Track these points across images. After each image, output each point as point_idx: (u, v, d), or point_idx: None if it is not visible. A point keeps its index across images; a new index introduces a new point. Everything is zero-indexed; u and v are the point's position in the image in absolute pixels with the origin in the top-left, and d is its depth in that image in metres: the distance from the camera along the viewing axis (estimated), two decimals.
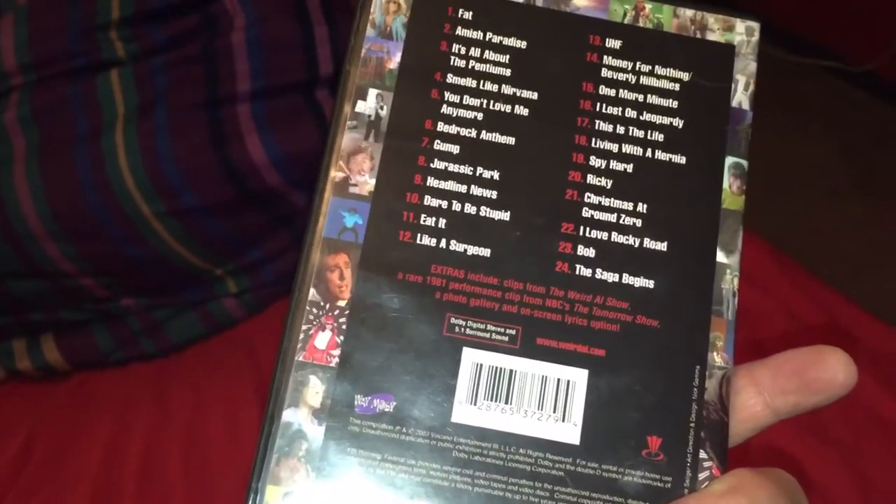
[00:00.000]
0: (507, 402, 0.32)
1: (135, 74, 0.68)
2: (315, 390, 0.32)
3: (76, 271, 0.69)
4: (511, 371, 0.32)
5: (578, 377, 0.33)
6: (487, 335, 0.33)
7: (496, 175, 0.34)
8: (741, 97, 0.36)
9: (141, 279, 0.72)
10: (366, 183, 0.34)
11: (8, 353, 0.74)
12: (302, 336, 0.32)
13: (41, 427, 0.71)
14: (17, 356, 0.74)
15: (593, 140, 0.35)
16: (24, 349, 0.74)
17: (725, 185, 0.35)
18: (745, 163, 0.35)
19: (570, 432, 0.32)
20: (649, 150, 0.35)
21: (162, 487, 0.68)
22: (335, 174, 0.34)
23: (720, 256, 0.34)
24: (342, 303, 0.33)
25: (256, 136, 0.69)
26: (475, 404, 0.32)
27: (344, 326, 0.32)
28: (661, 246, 0.34)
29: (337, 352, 0.32)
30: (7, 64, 0.67)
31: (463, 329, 0.33)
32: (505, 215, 0.34)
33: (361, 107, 0.35)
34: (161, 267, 0.71)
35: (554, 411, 0.32)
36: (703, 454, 0.32)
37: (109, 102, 0.68)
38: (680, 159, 0.35)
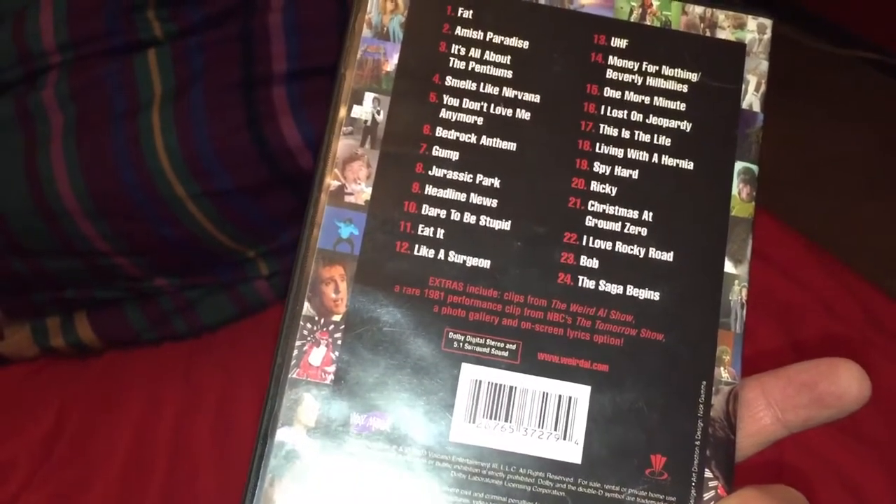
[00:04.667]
0: (506, 420, 0.31)
1: (171, 54, 0.69)
2: (310, 408, 0.31)
3: (110, 250, 0.70)
4: (511, 388, 0.32)
5: (580, 394, 0.32)
6: (487, 350, 0.32)
7: (496, 182, 0.33)
8: (752, 99, 0.35)
9: (174, 259, 0.72)
10: (362, 191, 0.33)
11: (42, 330, 0.75)
12: (296, 352, 0.31)
13: (73, 404, 0.72)
14: (51, 333, 0.75)
15: (597, 145, 0.34)
16: (58, 326, 0.75)
17: (734, 191, 0.34)
18: (755, 168, 0.34)
19: (572, 451, 0.31)
20: (655, 156, 0.34)
21: (191, 465, 0.69)
22: (330, 182, 0.33)
23: (728, 267, 0.33)
24: (337, 317, 0.32)
25: (291, 118, 0.68)
26: (474, 422, 0.31)
27: (339, 342, 0.31)
28: (667, 256, 0.33)
29: (332, 368, 0.31)
30: (46, 42, 0.68)
31: (462, 344, 0.32)
32: (505, 225, 0.33)
33: (357, 112, 0.34)
34: (194, 247, 0.71)
35: (555, 429, 0.31)
36: (708, 473, 0.31)
37: (146, 82, 0.68)
38: (687, 165, 0.34)
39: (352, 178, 0.33)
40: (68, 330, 0.74)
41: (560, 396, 0.32)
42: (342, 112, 0.34)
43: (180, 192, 0.67)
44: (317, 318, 0.32)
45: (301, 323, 0.32)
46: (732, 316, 0.33)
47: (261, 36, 0.68)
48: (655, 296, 0.33)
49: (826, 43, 1.45)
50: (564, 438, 0.31)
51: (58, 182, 0.65)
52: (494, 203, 0.33)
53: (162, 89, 0.67)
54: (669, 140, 0.34)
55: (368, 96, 0.34)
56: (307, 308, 0.32)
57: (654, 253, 0.33)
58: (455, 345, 0.32)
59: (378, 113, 0.34)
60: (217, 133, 0.67)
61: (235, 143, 0.67)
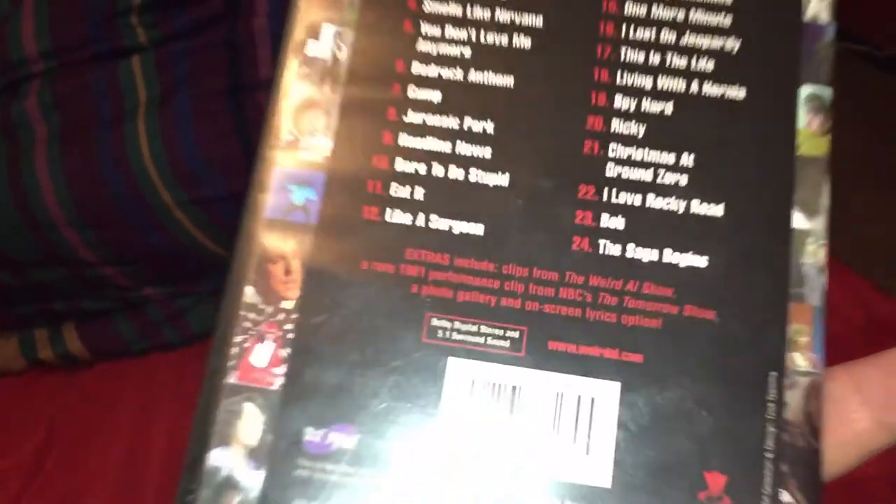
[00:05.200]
0: (509, 432, 0.24)
1: (156, 61, 0.68)
2: (251, 423, 0.24)
3: (97, 260, 0.69)
4: (514, 388, 0.24)
5: (607, 393, 0.24)
6: (481, 340, 0.24)
7: (490, 127, 0.26)
8: (817, 7, 0.27)
9: (163, 268, 0.70)
10: (319, 146, 0.26)
11: (30, 342, 0.74)
12: (235, 350, 0.24)
13: (63, 417, 0.70)
14: (38, 345, 0.74)
15: (618, 74, 0.26)
16: (46, 338, 0.74)
17: (801, 123, 0.26)
18: (828, 92, 0.26)
19: (599, 469, 0.23)
20: (695, 83, 0.26)
21: None
22: (280, 136, 0.26)
23: (798, 220, 0.25)
24: (288, 304, 0.25)
25: None
26: (466, 434, 0.24)
27: (291, 336, 0.25)
28: (716, 210, 0.25)
29: (281, 370, 0.24)
30: (28, 50, 0.67)
31: (448, 333, 0.25)
32: (502, 179, 0.26)
33: (314, 48, 0.27)
34: (183, 256, 0.69)
35: (574, 441, 0.24)
36: (785, 496, 0.23)
37: (131, 89, 0.67)
38: (737, 93, 0.26)
39: (307, 129, 0.26)
40: (57, 342, 0.73)
41: (580, 397, 0.24)
42: (295, 49, 0.27)
43: (167, 199, 0.65)
44: (261, 306, 0.25)
45: (241, 312, 0.25)
46: (807, 284, 0.25)
47: (246, 41, 0.67)
48: (702, 261, 0.25)
49: None
50: (587, 453, 0.24)
51: (43, 192, 0.63)
52: (487, 153, 0.26)
53: (147, 96, 0.66)
54: (712, 63, 0.26)
55: (327, 29, 0.27)
56: (249, 293, 0.25)
57: (697, 207, 0.25)
58: (440, 334, 0.24)
59: (339, 49, 0.27)
60: (205, 140, 0.65)
61: (224, 149, 0.65)
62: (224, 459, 0.23)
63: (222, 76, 0.66)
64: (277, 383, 0.24)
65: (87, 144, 0.64)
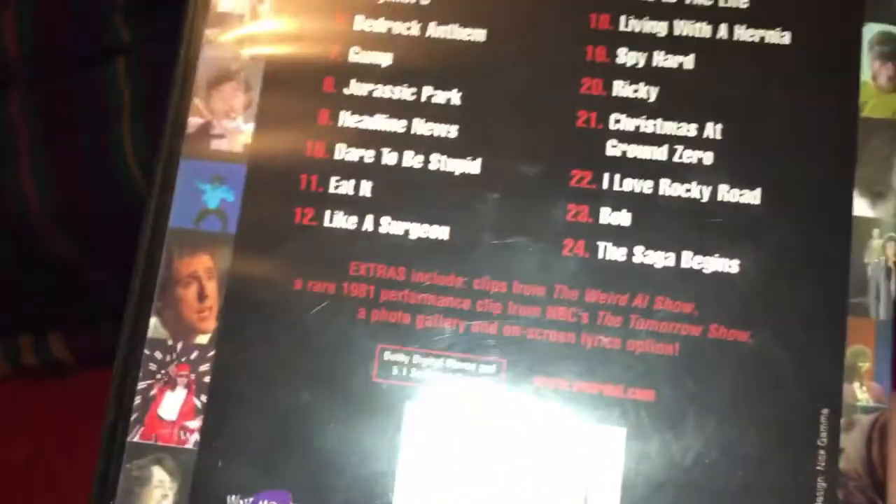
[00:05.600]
0: (485, 496, 0.19)
1: (141, 62, 0.64)
2: (162, 492, 0.19)
3: (83, 265, 0.68)
4: (490, 438, 0.19)
5: (609, 441, 0.19)
6: (448, 377, 0.19)
7: (456, 98, 0.20)
8: None
9: None
10: (238, 131, 0.20)
11: (14, 348, 0.73)
12: (139, 400, 0.20)
13: (49, 424, 0.68)
14: (23, 351, 0.73)
15: (622, 19, 0.20)
16: (31, 344, 0.74)
17: (866, 75, 0.20)
18: None
19: None
20: (723, 28, 0.20)
21: None
22: (188, 119, 0.21)
23: (860, 207, 0.19)
24: (204, 338, 0.20)
25: None
26: (431, 500, 0.19)
27: (207, 379, 0.19)
28: (752, 196, 0.19)
29: (197, 423, 0.19)
30: (10, 52, 0.64)
31: (405, 370, 0.19)
32: (473, 166, 0.20)
33: (228, 2, 0.21)
34: None
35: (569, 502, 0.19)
36: None
37: (115, 90, 0.65)
38: (780, 37, 0.20)
39: (222, 110, 0.21)
40: (41, 348, 0.71)
41: (574, 450, 0.19)
42: (203, 3, 0.21)
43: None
44: (171, 343, 0.20)
45: (146, 352, 0.20)
46: (871, 292, 0.19)
47: None
48: (733, 266, 0.19)
49: None
50: None
51: (28, 198, 0.61)
52: (453, 131, 0.20)
53: (131, 98, 0.64)
54: (746, 0, 0.20)
55: None
56: (155, 326, 0.20)
57: (727, 193, 0.19)
58: (395, 371, 0.19)
59: (261, 1, 0.21)
60: None
61: None
62: None
63: None
64: (192, 440, 0.19)
65: (71, 147, 0.61)
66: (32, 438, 0.66)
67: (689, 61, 0.20)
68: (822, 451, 0.19)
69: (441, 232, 0.20)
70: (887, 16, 0.20)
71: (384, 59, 0.21)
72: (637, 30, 0.20)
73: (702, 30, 0.20)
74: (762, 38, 0.20)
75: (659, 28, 0.20)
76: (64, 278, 0.64)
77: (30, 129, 0.61)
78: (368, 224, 0.20)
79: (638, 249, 0.19)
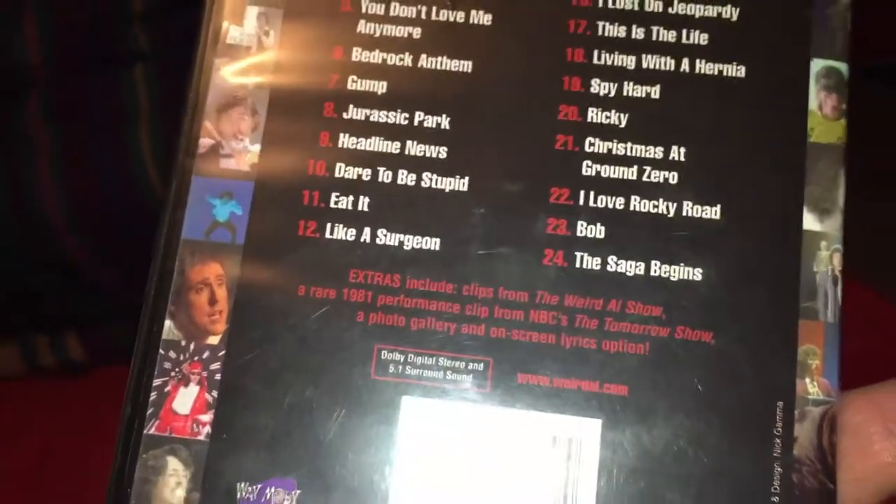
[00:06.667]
0: (474, 482, 0.21)
1: (159, 68, 0.66)
2: (176, 479, 0.21)
3: (98, 266, 0.67)
4: (479, 429, 0.21)
5: (587, 432, 0.21)
6: (440, 374, 0.21)
7: (445, 122, 0.22)
8: None
9: None
10: (246, 151, 0.22)
11: (30, 348, 0.73)
12: (154, 396, 0.21)
13: (63, 422, 0.69)
14: (39, 351, 0.73)
15: (595, 53, 0.22)
16: (47, 344, 0.73)
17: (813, 104, 0.22)
18: (843, 67, 0.22)
19: None
20: (685, 62, 0.22)
21: None
22: (199, 140, 0.22)
23: (809, 221, 0.22)
24: (214, 339, 0.21)
25: None
26: (424, 486, 0.21)
27: (218, 376, 0.21)
28: (712, 212, 0.22)
29: (208, 417, 0.21)
30: (30, 57, 0.66)
31: (401, 368, 0.21)
32: (461, 184, 0.22)
33: (236, 35, 0.23)
34: None
35: (550, 489, 0.20)
36: None
37: (133, 96, 0.66)
38: (736, 71, 0.22)
39: (231, 131, 0.22)
40: (57, 348, 0.72)
41: (555, 439, 0.21)
42: (213, 37, 0.23)
43: None
44: (184, 343, 0.21)
45: (161, 351, 0.21)
46: (820, 297, 0.21)
47: None
48: (696, 274, 0.21)
49: None
50: (564, 502, 0.20)
51: (44, 199, 0.63)
52: (443, 152, 0.22)
53: (149, 103, 0.64)
54: (706, 36, 0.22)
55: (251, 11, 0.23)
56: (169, 328, 0.21)
57: (690, 209, 0.22)
58: (391, 369, 0.21)
59: (266, 34, 0.23)
60: None
61: None
62: None
63: None
64: (204, 432, 0.21)
65: (89, 150, 0.63)
66: (45, 436, 0.67)
67: (655, 91, 0.22)
68: (777, 440, 0.21)
69: (432, 243, 0.22)
70: (831, 53, 0.22)
71: (380, 87, 0.23)
72: (609, 63, 0.22)
73: (667, 63, 0.22)
74: (720, 72, 0.22)
75: (628, 61, 0.22)
76: (79, 278, 0.66)
77: (49, 132, 0.63)
78: (366, 236, 0.22)
79: (611, 259, 0.21)
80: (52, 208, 0.63)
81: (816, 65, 0.22)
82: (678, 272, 0.21)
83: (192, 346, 0.21)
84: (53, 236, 0.64)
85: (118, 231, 0.66)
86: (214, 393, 0.21)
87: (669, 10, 0.23)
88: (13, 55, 0.65)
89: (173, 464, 0.21)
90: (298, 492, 0.20)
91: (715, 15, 0.22)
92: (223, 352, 0.21)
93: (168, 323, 0.21)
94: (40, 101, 0.65)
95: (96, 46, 0.66)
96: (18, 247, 0.65)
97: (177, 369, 0.21)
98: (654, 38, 0.22)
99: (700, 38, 0.22)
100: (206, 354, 0.21)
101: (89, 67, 0.65)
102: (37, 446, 0.68)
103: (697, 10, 0.23)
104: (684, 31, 0.22)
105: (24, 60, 0.66)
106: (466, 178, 0.22)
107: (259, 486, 0.21)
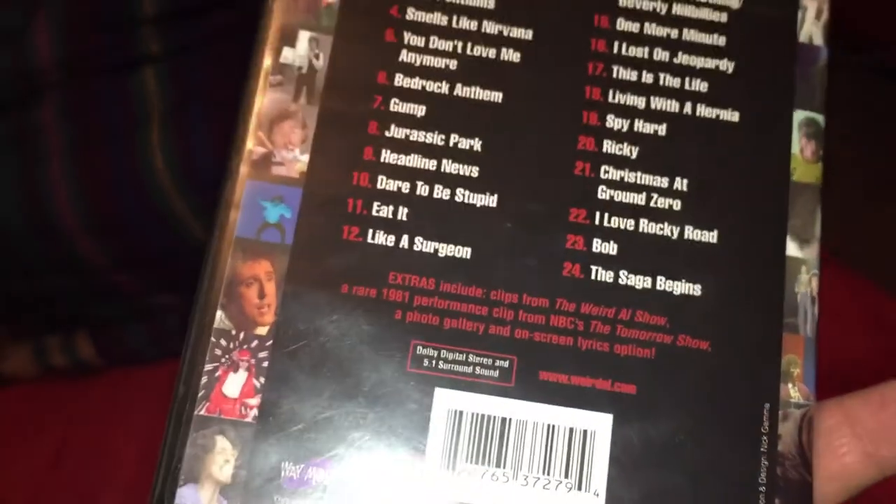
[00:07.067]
0: (498, 465, 0.23)
1: (170, 71, 0.67)
2: (224, 457, 0.22)
3: (111, 268, 0.68)
4: (504, 420, 0.23)
5: (599, 425, 0.23)
6: (469, 370, 0.23)
7: (477, 144, 0.25)
8: (811, 29, 0.26)
9: (176, 276, 0.69)
10: (296, 160, 0.24)
11: (42, 349, 0.73)
12: (205, 380, 0.23)
13: (76, 425, 0.69)
14: (51, 353, 0.73)
15: (610, 93, 0.25)
16: (59, 345, 0.73)
17: (795, 149, 0.25)
18: (820, 118, 0.26)
19: None
20: (688, 105, 0.25)
21: None
22: (252, 149, 0.24)
23: (792, 248, 0.25)
24: (263, 330, 0.23)
25: None
26: (454, 469, 0.23)
27: (265, 364, 0.23)
28: (710, 237, 0.25)
29: (256, 400, 0.23)
30: (43, 60, 0.66)
31: (434, 362, 0.23)
32: (490, 200, 0.24)
33: (289, 55, 0.25)
34: (196, 262, 0.69)
35: (566, 475, 0.23)
36: None
37: (145, 99, 0.67)
38: (731, 116, 0.25)
39: (282, 142, 0.24)
40: (69, 349, 0.72)
41: (571, 430, 0.23)
42: (268, 57, 0.25)
43: (181, 207, 0.64)
44: (234, 333, 0.23)
45: (212, 339, 0.23)
46: (801, 314, 0.24)
47: None
48: (696, 290, 0.24)
49: None
50: (580, 488, 0.23)
51: (57, 201, 0.63)
52: (475, 171, 0.25)
53: (161, 106, 0.65)
54: (706, 84, 0.26)
55: (303, 35, 0.25)
56: (221, 318, 0.23)
57: (691, 233, 0.25)
58: (425, 363, 0.23)
59: (317, 57, 0.25)
60: (220, 148, 0.65)
61: None
62: (193, 498, 0.22)
63: (236, 86, 0.66)
64: (251, 415, 0.22)
65: (101, 153, 0.64)
66: (61, 435, 0.67)
67: (662, 129, 0.25)
68: (764, 437, 0.23)
69: (464, 252, 0.24)
70: (811, 105, 0.26)
71: (419, 110, 0.25)
72: (622, 102, 0.25)
73: (672, 105, 0.25)
74: (717, 116, 0.26)
75: (639, 102, 0.25)
76: (91, 280, 0.67)
77: (61, 134, 0.64)
78: (405, 242, 0.24)
79: (623, 273, 0.24)
80: (64, 210, 0.63)
81: (799, 115, 0.26)
82: (680, 287, 0.24)
83: (241, 336, 0.23)
84: (66, 238, 0.64)
85: (130, 233, 0.66)
86: (262, 379, 0.23)
87: (675, 59, 0.26)
88: (25, 58, 0.66)
89: (222, 443, 0.22)
90: (338, 472, 0.22)
91: (713, 67, 0.26)
92: (270, 342, 0.23)
93: (220, 313, 0.23)
94: (53, 103, 0.65)
95: (108, 50, 0.66)
96: (31, 248, 0.66)
97: (227, 356, 0.23)
98: (661, 83, 0.26)
99: (700, 85, 0.26)
100: (254, 343, 0.23)
101: (101, 71, 0.66)
102: (51, 445, 0.69)
103: (699, 62, 0.26)
104: (687, 79, 0.26)
105: (36, 63, 0.66)
106: (496, 196, 0.24)
107: (302, 466, 0.22)
